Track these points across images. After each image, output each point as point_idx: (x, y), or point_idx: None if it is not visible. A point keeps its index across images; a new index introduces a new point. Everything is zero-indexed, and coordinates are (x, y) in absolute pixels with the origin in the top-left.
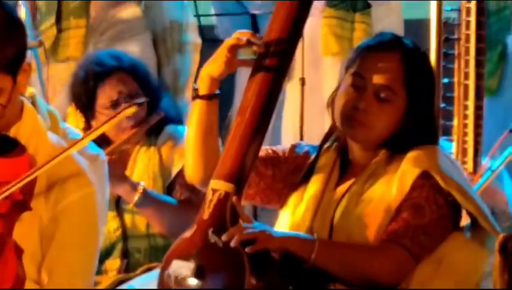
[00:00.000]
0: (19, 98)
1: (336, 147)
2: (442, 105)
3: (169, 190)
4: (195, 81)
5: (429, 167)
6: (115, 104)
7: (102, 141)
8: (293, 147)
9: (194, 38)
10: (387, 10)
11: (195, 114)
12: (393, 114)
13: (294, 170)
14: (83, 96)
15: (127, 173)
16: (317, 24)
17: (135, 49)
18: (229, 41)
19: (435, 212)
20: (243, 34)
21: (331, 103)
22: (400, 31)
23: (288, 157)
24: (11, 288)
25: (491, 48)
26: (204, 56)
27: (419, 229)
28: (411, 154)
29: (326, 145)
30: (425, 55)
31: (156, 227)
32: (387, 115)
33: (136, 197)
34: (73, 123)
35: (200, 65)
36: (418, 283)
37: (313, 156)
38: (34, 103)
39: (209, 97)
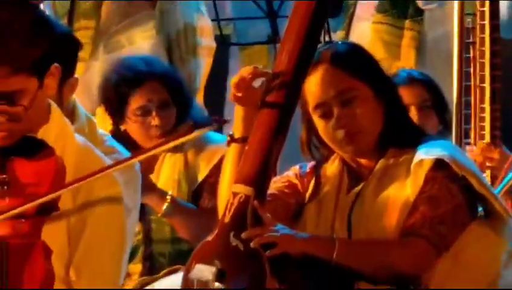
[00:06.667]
0: (46, 100)
1: (340, 158)
2: None
3: (194, 195)
4: (206, 88)
5: (442, 155)
6: (144, 112)
7: (130, 146)
8: (300, 168)
9: (208, 42)
10: (442, 17)
11: (230, 157)
12: (368, 104)
13: (307, 189)
14: (114, 101)
15: (153, 178)
16: (365, 28)
17: (145, 52)
18: (233, 81)
19: (449, 202)
20: (246, 70)
21: (306, 146)
22: None
23: (299, 180)
24: (40, 288)
25: None
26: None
27: (436, 219)
28: (423, 147)
29: (331, 159)
30: (353, 45)
31: (182, 234)
32: (363, 109)
33: (164, 207)
34: (101, 125)
35: (215, 68)
36: (438, 279)
37: (320, 171)
38: (73, 109)
39: (243, 140)
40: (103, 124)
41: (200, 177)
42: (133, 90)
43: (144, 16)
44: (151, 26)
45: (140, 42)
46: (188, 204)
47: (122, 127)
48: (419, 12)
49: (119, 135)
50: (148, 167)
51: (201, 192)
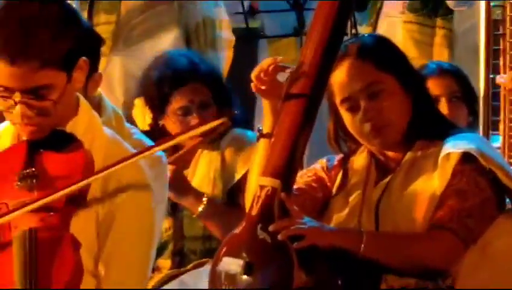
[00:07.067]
0: (74, 93)
1: (368, 151)
2: None
3: (230, 193)
4: (234, 81)
5: (469, 148)
6: (185, 112)
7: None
8: (327, 161)
9: (227, 35)
10: (470, 12)
11: (259, 153)
12: (395, 97)
13: (335, 182)
14: (155, 99)
15: (189, 175)
16: (394, 26)
17: (166, 45)
18: (253, 73)
19: (477, 196)
20: (266, 62)
21: (334, 139)
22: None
23: (327, 173)
24: (69, 281)
25: None
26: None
27: (464, 213)
28: (450, 140)
29: (359, 151)
30: (379, 37)
31: (216, 234)
32: (390, 102)
33: (200, 209)
34: (140, 117)
35: (243, 62)
36: (465, 271)
37: (348, 163)
38: (100, 102)
39: (272, 136)
40: (141, 116)
41: (237, 176)
42: (174, 90)
43: (164, 9)
44: (170, 19)
45: (160, 35)
46: (224, 205)
47: (161, 123)
48: (450, 10)
49: (158, 130)
50: (184, 163)
51: (237, 191)
